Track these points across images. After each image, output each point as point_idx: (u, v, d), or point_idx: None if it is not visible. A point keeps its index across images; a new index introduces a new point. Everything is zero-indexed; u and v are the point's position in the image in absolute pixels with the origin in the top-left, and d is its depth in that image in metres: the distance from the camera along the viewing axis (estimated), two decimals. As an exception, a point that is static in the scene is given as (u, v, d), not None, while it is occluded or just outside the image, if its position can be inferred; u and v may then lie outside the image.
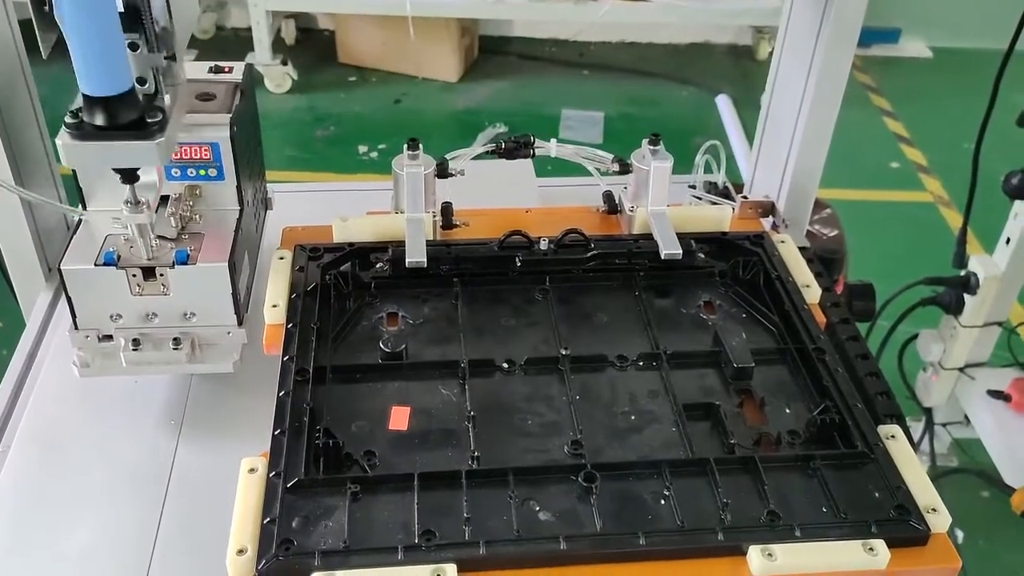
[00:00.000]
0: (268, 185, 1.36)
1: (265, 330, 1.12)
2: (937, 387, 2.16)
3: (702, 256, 1.25)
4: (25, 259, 1.37)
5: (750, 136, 2.89)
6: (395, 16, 4.01)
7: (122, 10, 0.94)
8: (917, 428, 2.22)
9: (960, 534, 2.20)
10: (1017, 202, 1.91)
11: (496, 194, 1.37)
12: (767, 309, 1.19)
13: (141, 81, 0.98)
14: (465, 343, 1.13)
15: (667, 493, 0.93)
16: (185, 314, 1.09)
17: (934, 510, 0.91)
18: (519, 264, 1.22)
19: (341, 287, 1.20)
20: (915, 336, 2.17)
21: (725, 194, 1.49)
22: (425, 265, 1.16)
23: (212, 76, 1.19)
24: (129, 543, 1.02)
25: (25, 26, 1.10)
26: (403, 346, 1.10)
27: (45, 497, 1.07)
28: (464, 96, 4.31)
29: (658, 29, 4.76)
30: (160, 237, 1.08)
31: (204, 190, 1.14)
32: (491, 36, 4.74)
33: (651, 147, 1.26)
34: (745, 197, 1.45)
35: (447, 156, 1.31)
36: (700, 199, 1.48)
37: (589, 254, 1.23)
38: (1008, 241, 1.95)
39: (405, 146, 1.23)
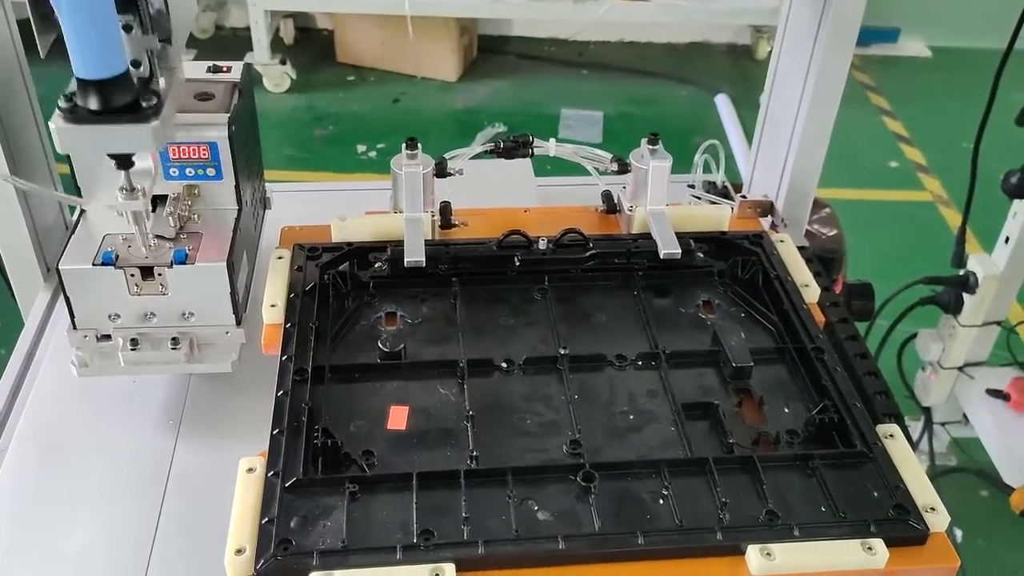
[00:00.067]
0: (267, 184, 1.36)
1: (264, 330, 1.12)
2: (936, 386, 2.16)
3: (701, 256, 1.25)
4: (23, 259, 1.37)
5: (749, 135, 2.90)
6: (394, 15, 4.01)
7: None
8: (916, 427, 2.22)
9: (959, 533, 2.20)
10: (1016, 201, 1.91)
11: (495, 194, 1.37)
12: (766, 308, 1.19)
13: (136, 64, 0.95)
14: (464, 343, 1.13)
15: (666, 493, 0.93)
16: (183, 314, 1.09)
17: (933, 509, 0.91)
18: (518, 264, 1.22)
19: (340, 287, 1.20)
20: (914, 335, 2.17)
21: (724, 193, 1.49)
22: (424, 265, 1.16)
23: (210, 76, 1.19)
24: (127, 543, 1.02)
25: (23, 26, 1.10)
26: (402, 346, 1.10)
27: (43, 497, 1.07)
28: (463, 95, 4.31)
29: (657, 28, 4.77)
30: (158, 237, 1.08)
31: (202, 190, 1.14)
32: (490, 35, 4.74)
33: (650, 146, 1.26)
34: (744, 196, 1.46)
35: (446, 155, 1.31)
36: (699, 198, 1.48)
37: (588, 254, 1.23)
38: (1007, 240, 1.95)
39: (404, 145, 1.23)
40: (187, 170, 1.12)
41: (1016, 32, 1.71)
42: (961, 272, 2.01)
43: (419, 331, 1.15)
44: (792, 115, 1.41)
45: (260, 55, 4.11)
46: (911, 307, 2.08)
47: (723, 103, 4.18)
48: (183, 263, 1.06)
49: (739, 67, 4.65)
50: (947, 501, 0.91)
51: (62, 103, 0.91)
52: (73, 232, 1.10)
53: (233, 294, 1.09)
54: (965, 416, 2.17)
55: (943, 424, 2.24)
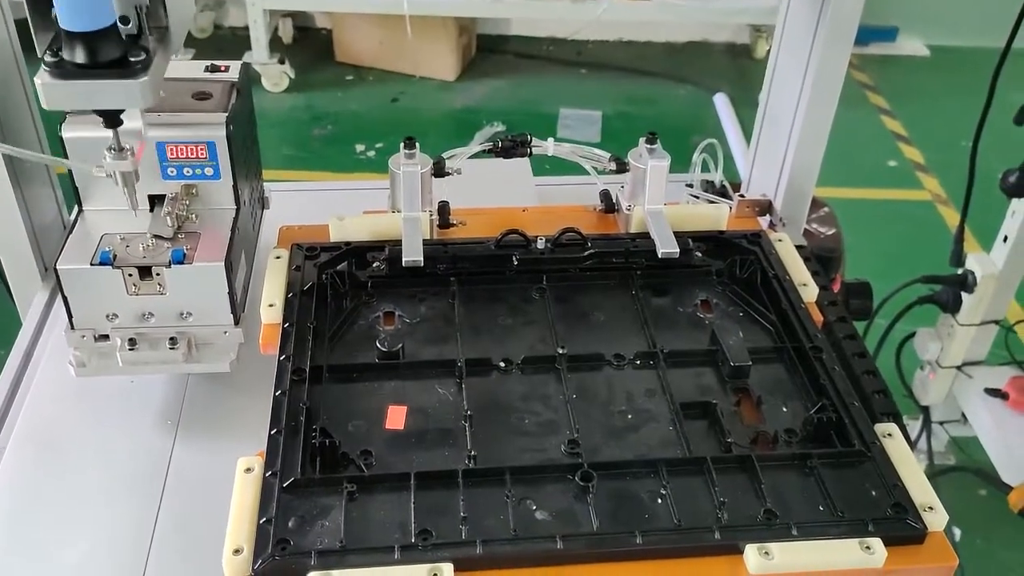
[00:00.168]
0: (265, 184, 1.36)
1: (262, 329, 1.12)
2: (934, 385, 2.16)
3: (699, 255, 1.25)
4: (21, 258, 1.36)
5: (747, 135, 2.89)
6: (392, 15, 4.00)
7: None
8: (914, 426, 2.22)
9: (957, 532, 2.20)
10: (1014, 200, 1.91)
11: (493, 193, 1.37)
12: (764, 308, 1.19)
13: (125, 21, 0.93)
14: (462, 342, 1.13)
15: (664, 492, 0.93)
16: (181, 313, 1.09)
17: (931, 508, 0.91)
18: (516, 263, 1.22)
19: (338, 286, 1.20)
20: (912, 334, 2.17)
21: (722, 193, 1.49)
22: (422, 264, 1.16)
23: (208, 75, 1.19)
24: (125, 543, 1.02)
25: (21, 26, 1.10)
26: (400, 345, 1.10)
27: (41, 496, 1.07)
28: (461, 95, 4.30)
29: (656, 27, 4.76)
30: (156, 236, 1.08)
31: (200, 189, 1.14)
32: (489, 35, 4.73)
33: (648, 146, 1.26)
34: (742, 196, 1.46)
35: (444, 155, 1.31)
36: (697, 198, 1.48)
37: (586, 253, 1.23)
38: (1005, 239, 1.95)
39: (402, 145, 1.23)
40: (185, 169, 1.12)
41: (1014, 31, 1.71)
42: (959, 271, 2.01)
43: (417, 331, 1.15)
44: (790, 114, 1.41)
45: (258, 54, 4.11)
46: (909, 306, 2.08)
47: (721, 102, 4.18)
48: (181, 263, 1.06)
49: (737, 66, 4.65)
50: (945, 500, 0.92)
51: (47, 57, 0.88)
52: (71, 232, 1.10)
53: (231, 294, 1.09)
54: (963, 415, 2.17)
55: (941, 423, 2.24)
